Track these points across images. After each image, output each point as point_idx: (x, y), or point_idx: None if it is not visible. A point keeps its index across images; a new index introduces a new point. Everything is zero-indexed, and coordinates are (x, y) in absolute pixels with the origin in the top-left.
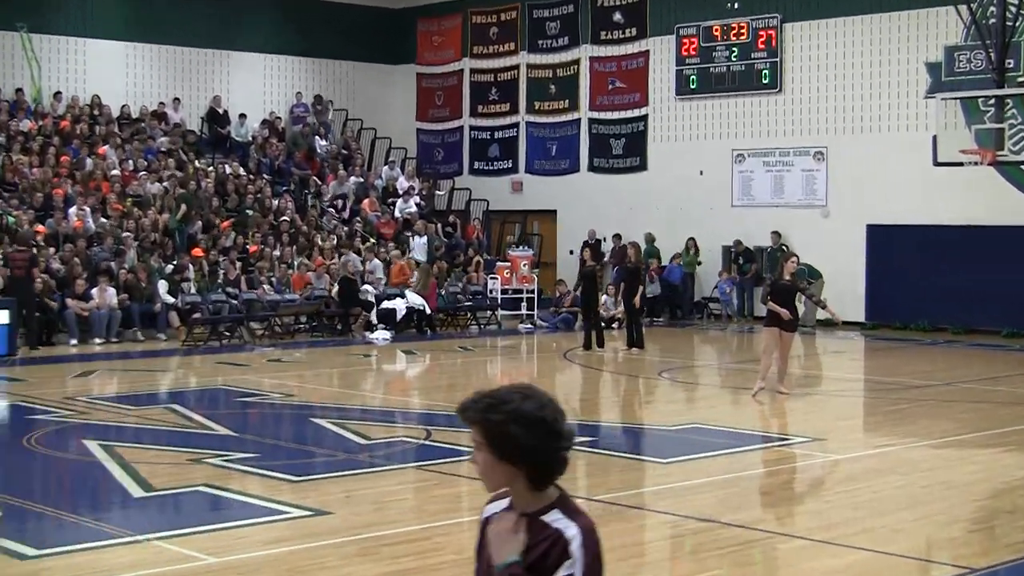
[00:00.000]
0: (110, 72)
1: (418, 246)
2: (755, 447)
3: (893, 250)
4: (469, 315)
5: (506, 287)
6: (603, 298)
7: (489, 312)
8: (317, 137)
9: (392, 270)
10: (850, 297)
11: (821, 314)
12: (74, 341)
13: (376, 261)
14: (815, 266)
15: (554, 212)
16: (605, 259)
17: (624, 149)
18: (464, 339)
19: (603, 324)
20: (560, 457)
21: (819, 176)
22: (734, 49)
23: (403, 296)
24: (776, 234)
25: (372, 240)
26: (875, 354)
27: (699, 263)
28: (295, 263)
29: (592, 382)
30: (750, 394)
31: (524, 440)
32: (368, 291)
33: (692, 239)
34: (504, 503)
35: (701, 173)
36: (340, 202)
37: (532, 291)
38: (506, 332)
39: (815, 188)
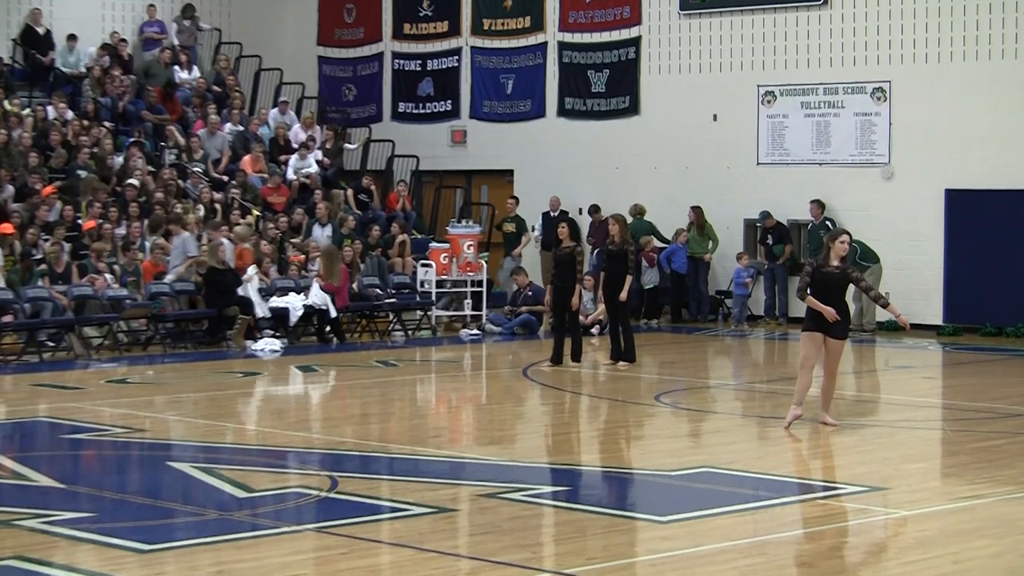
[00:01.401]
0: None
1: (322, 201)
2: (790, 499)
3: (982, 225)
4: (391, 317)
5: (444, 277)
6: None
7: (420, 312)
8: (178, 68)
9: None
10: (922, 291)
11: (882, 314)
12: None
13: (224, 241)
14: (871, 247)
15: (510, 173)
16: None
17: (607, 86)
18: (385, 350)
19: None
20: None
21: (879, 123)
22: None
23: (299, 291)
24: (819, 204)
25: (256, 211)
26: (957, 370)
27: (710, 242)
28: (147, 245)
29: (563, 410)
30: (782, 425)
31: None
32: (250, 284)
33: (699, 210)
34: None
35: (715, 119)
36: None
37: (480, 283)
38: (444, 340)
39: (873, 140)
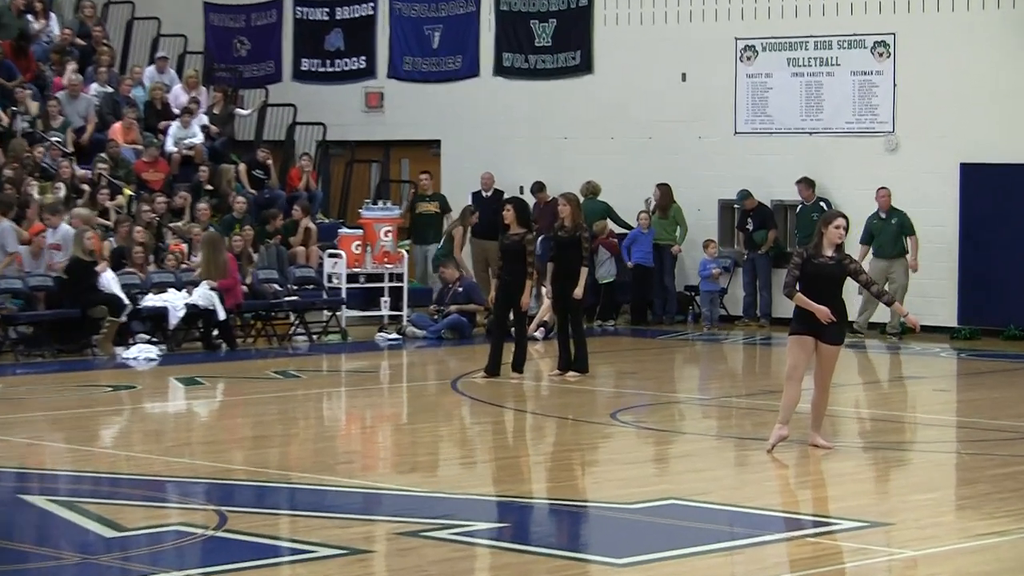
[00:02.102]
0: None
1: (203, 201)
2: (774, 537)
3: (1006, 207)
4: (293, 318)
5: (356, 271)
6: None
7: (327, 313)
8: (32, 17)
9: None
10: (934, 286)
11: (882, 313)
12: None
13: (65, 228)
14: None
15: (436, 144)
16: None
17: (554, 39)
18: (285, 358)
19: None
20: None
21: (882, 83)
22: None
23: (181, 287)
24: (808, 182)
25: (129, 190)
26: (975, 381)
27: (677, 228)
28: None
29: (501, 431)
30: (764, 448)
31: None
32: (108, 279)
33: (666, 188)
34: None
35: (684, 79)
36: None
37: (400, 277)
38: (356, 346)
39: (875, 104)
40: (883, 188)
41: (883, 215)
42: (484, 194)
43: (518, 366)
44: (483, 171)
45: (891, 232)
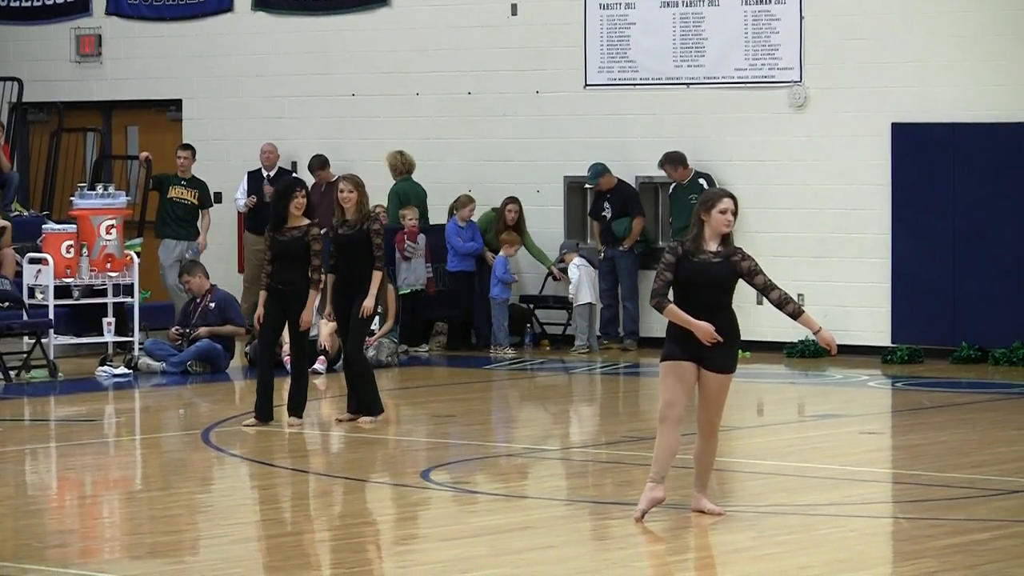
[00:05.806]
0: None
1: None
2: None
3: (955, 181)
4: None
5: (68, 282)
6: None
7: (29, 340)
8: None
9: None
10: (858, 291)
11: (791, 329)
12: None
13: None
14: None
15: (176, 105)
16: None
17: None
18: None
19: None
20: None
21: (784, 16)
22: None
23: None
24: (675, 160)
25: None
26: (915, 420)
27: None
28: None
29: (274, 499)
30: (633, 516)
31: None
32: None
33: (513, 226)
34: None
35: (514, 12)
36: None
37: (129, 290)
38: (70, 385)
39: (775, 43)
40: None
41: None
42: (266, 173)
43: (296, 409)
44: (239, 140)
45: None
